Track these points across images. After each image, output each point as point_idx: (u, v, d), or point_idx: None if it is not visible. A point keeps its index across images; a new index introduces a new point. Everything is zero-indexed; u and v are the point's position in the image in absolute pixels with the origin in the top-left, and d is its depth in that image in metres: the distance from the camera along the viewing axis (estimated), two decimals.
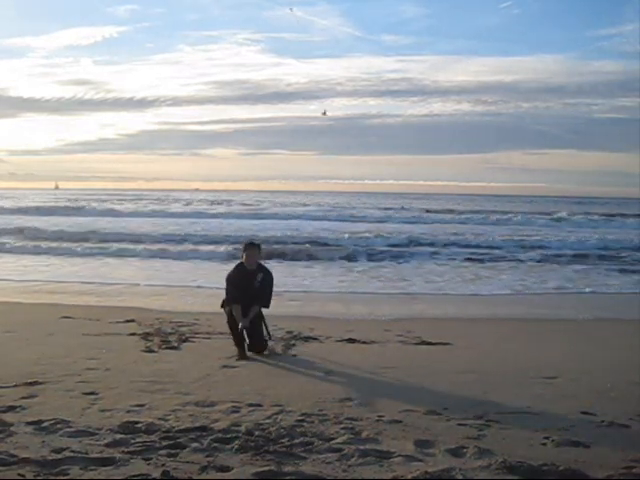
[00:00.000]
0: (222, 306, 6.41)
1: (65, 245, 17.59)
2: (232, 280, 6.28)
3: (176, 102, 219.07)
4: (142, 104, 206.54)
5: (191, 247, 17.69)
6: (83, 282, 11.70)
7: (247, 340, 6.27)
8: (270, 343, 6.54)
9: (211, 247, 17.43)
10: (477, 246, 19.50)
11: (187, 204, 44.12)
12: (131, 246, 17.60)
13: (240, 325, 6.13)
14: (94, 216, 30.70)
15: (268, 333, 6.40)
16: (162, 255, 16.22)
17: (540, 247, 19.29)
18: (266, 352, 6.29)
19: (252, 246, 6.37)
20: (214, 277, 11.30)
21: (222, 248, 17.00)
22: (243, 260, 6.31)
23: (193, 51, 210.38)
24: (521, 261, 16.44)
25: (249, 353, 6.19)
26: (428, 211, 39.06)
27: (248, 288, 6.18)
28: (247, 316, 6.15)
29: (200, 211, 35.00)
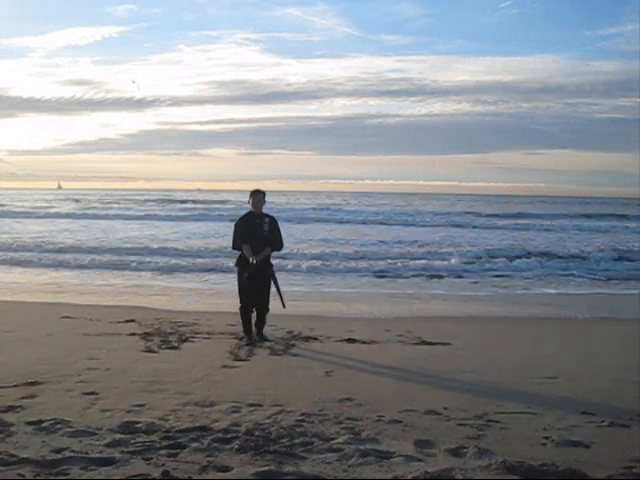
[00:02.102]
0: (236, 264, 6.87)
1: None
2: (241, 226, 6.77)
3: (175, 102, 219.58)
4: (142, 104, 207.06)
5: None
6: (83, 282, 11.73)
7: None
8: (270, 343, 6.58)
9: None
10: None
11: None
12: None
13: (250, 260, 6.48)
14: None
15: (282, 300, 6.71)
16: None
17: None
18: (269, 341, 6.64)
19: (258, 192, 6.80)
20: None
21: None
22: (250, 206, 6.80)
23: (192, 51, 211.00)
24: None
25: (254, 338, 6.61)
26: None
27: (257, 232, 6.66)
28: (258, 255, 6.56)
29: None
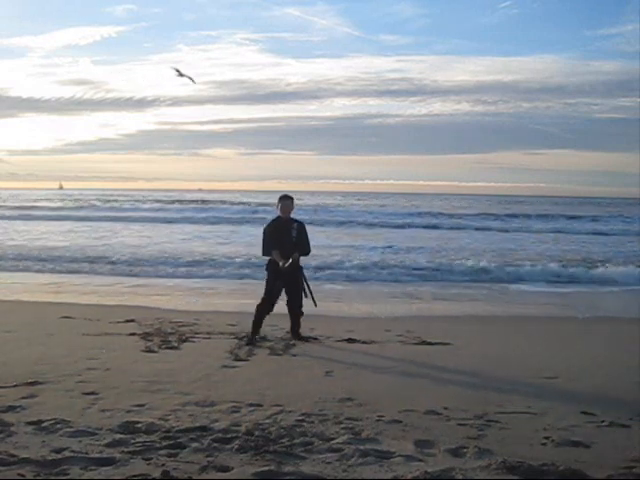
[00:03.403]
0: (266, 268, 6.89)
1: None
2: (270, 231, 6.83)
3: (175, 102, 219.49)
4: (141, 104, 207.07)
5: None
6: (83, 282, 11.74)
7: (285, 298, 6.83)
8: (270, 343, 6.57)
9: None
10: None
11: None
12: None
13: (280, 264, 6.58)
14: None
15: (313, 299, 6.78)
16: None
17: None
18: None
19: (287, 197, 6.93)
20: None
21: None
22: (278, 211, 6.89)
23: (192, 51, 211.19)
24: None
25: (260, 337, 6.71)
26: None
27: (286, 237, 6.73)
28: (287, 259, 6.60)
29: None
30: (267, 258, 6.88)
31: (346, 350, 6.39)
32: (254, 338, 6.68)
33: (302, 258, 6.87)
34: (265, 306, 6.78)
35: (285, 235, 6.74)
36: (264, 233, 6.90)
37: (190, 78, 9.96)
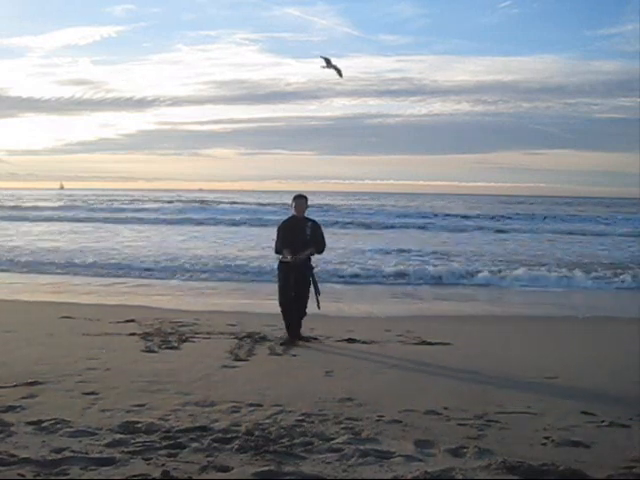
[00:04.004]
0: (279, 267, 6.90)
1: None
2: (283, 229, 6.90)
3: (175, 102, 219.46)
4: (141, 104, 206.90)
5: None
6: (83, 282, 11.73)
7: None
8: (270, 343, 6.57)
9: None
10: None
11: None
12: None
13: (289, 258, 6.63)
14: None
15: (317, 301, 6.78)
16: None
17: None
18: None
19: (301, 197, 7.02)
20: None
21: None
22: (293, 210, 6.96)
23: (191, 51, 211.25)
24: None
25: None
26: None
27: (299, 235, 6.78)
28: (298, 254, 6.65)
29: None
30: (279, 257, 6.89)
31: (346, 350, 6.40)
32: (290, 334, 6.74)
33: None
34: (283, 306, 6.81)
35: (299, 233, 6.79)
36: (277, 231, 6.94)
37: (338, 71, 9.49)
